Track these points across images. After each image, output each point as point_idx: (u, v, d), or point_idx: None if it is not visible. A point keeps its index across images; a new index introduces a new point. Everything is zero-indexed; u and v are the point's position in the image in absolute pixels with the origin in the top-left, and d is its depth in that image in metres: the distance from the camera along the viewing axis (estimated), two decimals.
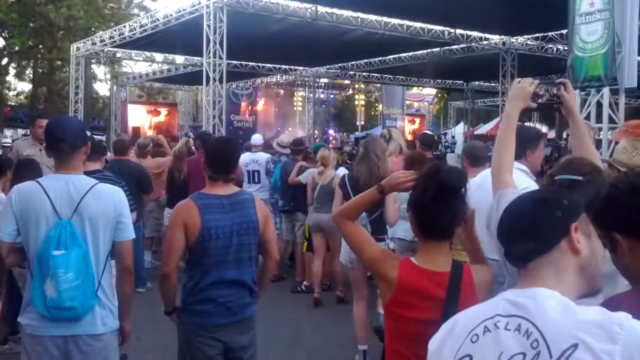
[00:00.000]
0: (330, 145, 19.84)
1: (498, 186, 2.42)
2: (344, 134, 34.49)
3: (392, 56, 23.45)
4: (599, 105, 9.80)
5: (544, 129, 32.91)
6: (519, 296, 1.52)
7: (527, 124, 30.73)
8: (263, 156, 9.49)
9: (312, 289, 7.89)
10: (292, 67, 27.70)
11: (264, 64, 26.04)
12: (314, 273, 7.76)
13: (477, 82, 31.27)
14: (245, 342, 3.59)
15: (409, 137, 26.48)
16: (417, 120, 38.10)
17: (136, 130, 26.15)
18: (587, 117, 9.59)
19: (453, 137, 32.38)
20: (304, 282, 8.10)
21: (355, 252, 2.60)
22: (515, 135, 2.52)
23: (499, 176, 2.46)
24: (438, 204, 2.27)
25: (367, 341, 5.62)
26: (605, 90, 9.59)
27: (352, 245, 2.62)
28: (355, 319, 5.72)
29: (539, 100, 2.56)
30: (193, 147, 10.02)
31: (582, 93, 9.97)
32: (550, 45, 20.27)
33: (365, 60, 24.70)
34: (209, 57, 15.31)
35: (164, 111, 30.80)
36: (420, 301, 2.26)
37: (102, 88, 37.15)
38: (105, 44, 21.09)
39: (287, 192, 8.47)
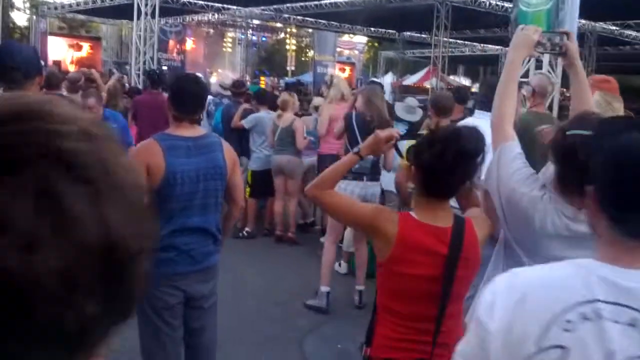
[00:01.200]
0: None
1: (501, 138, 2.29)
2: (275, 78, 34.00)
3: (328, 0, 23.01)
4: (538, 61, 9.93)
5: (467, 82, 33.31)
6: (626, 278, 1.24)
7: (451, 77, 31.22)
8: None
9: (253, 235, 7.84)
10: (224, 5, 26.74)
11: (196, 1, 25.03)
12: (277, 213, 7.77)
13: (409, 33, 31.24)
14: (206, 291, 3.46)
15: None
16: (348, 68, 37.86)
17: (57, 64, 24.72)
18: (526, 74, 9.69)
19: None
20: (246, 228, 7.92)
21: (343, 221, 2.47)
22: (517, 84, 2.42)
23: (500, 128, 2.32)
24: (454, 170, 2.14)
25: (330, 284, 5.67)
26: None
27: (338, 214, 2.50)
28: (325, 259, 5.70)
29: (543, 50, 2.47)
30: (127, 84, 9.57)
31: None
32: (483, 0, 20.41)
33: (301, 4, 24.13)
34: None
35: (86, 46, 29.07)
36: (422, 257, 2.16)
37: (20, 17, 35.04)
38: None
39: (230, 136, 8.14)
